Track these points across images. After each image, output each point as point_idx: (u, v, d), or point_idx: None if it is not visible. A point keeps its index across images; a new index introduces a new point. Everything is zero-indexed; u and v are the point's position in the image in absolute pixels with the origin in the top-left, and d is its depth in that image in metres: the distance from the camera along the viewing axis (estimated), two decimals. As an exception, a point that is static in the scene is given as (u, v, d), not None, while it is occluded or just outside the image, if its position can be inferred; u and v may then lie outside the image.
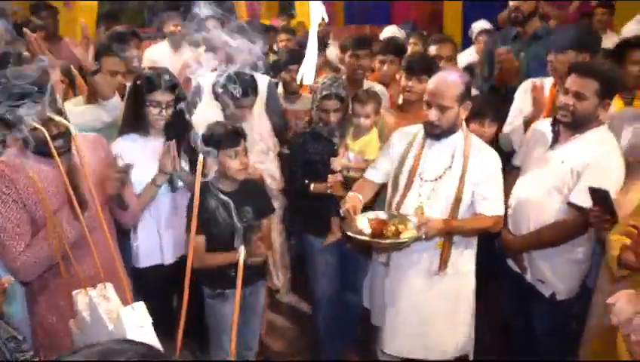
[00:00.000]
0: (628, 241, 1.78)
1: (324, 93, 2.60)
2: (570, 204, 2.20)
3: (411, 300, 2.32)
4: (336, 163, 2.62)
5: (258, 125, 2.97)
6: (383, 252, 2.39)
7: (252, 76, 2.69)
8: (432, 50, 3.06)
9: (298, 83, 3.14)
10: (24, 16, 4.16)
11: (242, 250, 1.01)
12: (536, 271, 2.36)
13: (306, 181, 2.68)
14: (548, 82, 2.79)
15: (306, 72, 1.85)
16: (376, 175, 2.44)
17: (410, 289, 2.31)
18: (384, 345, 2.41)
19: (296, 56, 3.35)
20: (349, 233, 2.15)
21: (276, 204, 2.88)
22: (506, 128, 2.84)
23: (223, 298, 2.36)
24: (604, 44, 3.71)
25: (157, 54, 4.44)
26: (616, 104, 2.81)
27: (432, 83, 2.20)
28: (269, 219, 2.51)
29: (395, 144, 2.39)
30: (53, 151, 1.38)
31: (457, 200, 2.20)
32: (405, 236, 2.09)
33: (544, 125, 2.42)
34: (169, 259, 2.49)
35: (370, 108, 2.61)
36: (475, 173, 2.19)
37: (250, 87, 2.67)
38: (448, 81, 2.16)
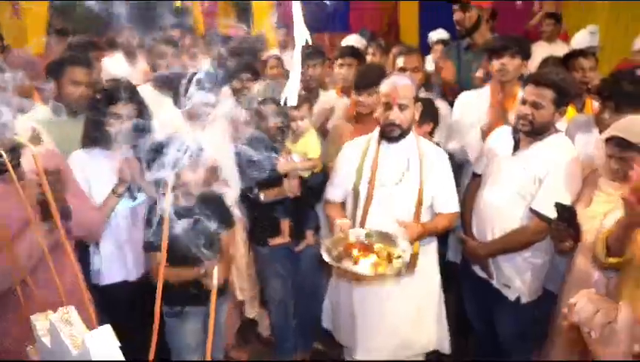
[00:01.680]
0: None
1: (261, 98, 2.63)
2: (532, 211, 2.26)
3: (383, 305, 2.34)
4: (283, 166, 2.64)
5: (213, 133, 2.94)
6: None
7: (214, 74, 2.71)
8: (399, 62, 3.10)
9: (282, 104, 3.13)
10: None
11: (216, 269, 0.98)
12: (502, 275, 2.41)
13: (256, 190, 2.67)
14: (485, 92, 2.90)
15: (290, 94, 1.86)
16: (337, 194, 2.45)
17: (382, 294, 2.34)
18: (357, 354, 2.42)
19: (247, 65, 3.37)
20: (342, 266, 1.93)
21: (239, 213, 2.81)
22: (453, 144, 2.90)
23: (182, 316, 2.32)
24: (553, 52, 3.88)
25: (113, 66, 4.32)
26: (568, 111, 2.93)
27: (387, 85, 2.27)
28: (228, 233, 2.47)
29: (347, 157, 2.41)
30: (10, 169, 1.31)
31: (419, 203, 2.26)
32: (396, 262, 1.95)
33: (502, 133, 2.49)
34: (133, 276, 2.42)
35: (304, 111, 2.72)
36: (431, 174, 2.27)
37: (212, 83, 2.63)
38: (403, 82, 2.28)
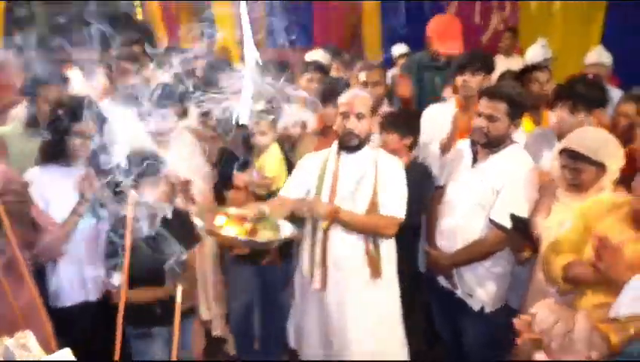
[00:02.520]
0: (572, 259, 1.89)
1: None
2: (491, 221, 2.32)
3: (353, 314, 2.36)
4: (239, 178, 2.66)
5: (190, 144, 2.93)
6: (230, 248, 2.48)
7: (175, 88, 2.70)
8: (361, 76, 3.16)
9: (234, 122, 3.14)
10: None
11: (180, 288, 0.96)
12: (465, 285, 2.46)
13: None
14: (450, 106, 2.98)
15: (241, 111, 1.88)
16: (291, 191, 2.44)
17: (350, 303, 2.36)
18: None
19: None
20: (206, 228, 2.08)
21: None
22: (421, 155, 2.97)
23: (148, 337, 2.28)
24: (510, 66, 4.01)
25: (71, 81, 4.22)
26: (526, 124, 3.04)
27: (346, 97, 2.37)
28: (193, 251, 2.44)
29: (306, 168, 2.45)
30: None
31: (373, 207, 2.30)
32: (262, 236, 2.05)
33: (463, 146, 2.56)
34: (94, 295, 2.36)
35: (264, 126, 2.67)
36: (383, 181, 2.32)
37: (172, 96, 2.65)
38: (361, 94, 2.41)
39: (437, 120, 2.98)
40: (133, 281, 2.16)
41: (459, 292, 2.49)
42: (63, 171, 2.29)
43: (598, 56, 3.94)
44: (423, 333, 2.99)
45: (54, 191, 2.20)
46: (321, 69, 3.55)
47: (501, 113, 2.32)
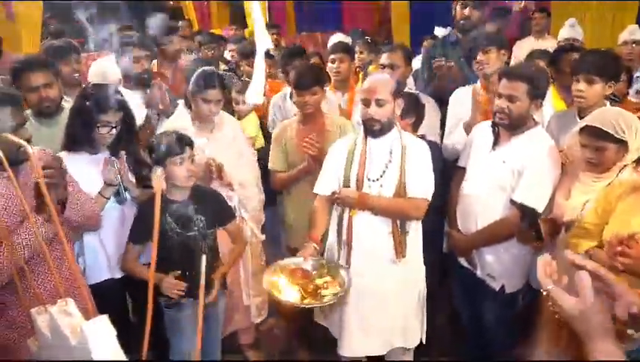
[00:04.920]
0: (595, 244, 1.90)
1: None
2: (512, 202, 2.33)
3: (376, 296, 2.39)
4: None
5: (229, 128, 2.96)
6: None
7: (218, 72, 2.78)
8: (381, 59, 3.17)
9: (249, 103, 3.38)
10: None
11: (204, 258, 1.04)
12: (486, 266, 2.48)
13: None
14: (477, 88, 2.98)
15: (254, 93, 1.95)
16: (324, 187, 2.46)
17: (374, 283, 2.38)
18: (349, 349, 2.46)
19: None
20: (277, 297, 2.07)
21: (247, 215, 2.84)
22: (447, 139, 2.98)
23: (179, 307, 2.37)
24: (544, 46, 3.95)
25: (105, 67, 4.36)
26: (557, 104, 3.01)
27: (367, 83, 2.37)
28: (233, 225, 2.52)
29: (334, 159, 2.46)
30: (7, 166, 1.38)
31: (399, 195, 2.31)
32: (326, 294, 2.07)
33: (485, 127, 2.56)
34: (119, 273, 2.46)
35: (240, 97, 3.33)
36: (410, 164, 2.33)
37: (213, 80, 2.70)
38: (381, 79, 2.39)
39: (464, 102, 2.98)
40: (159, 257, 2.28)
41: (478, 273, 2.52)
42: (89, 157, 2.37)
43: (630, 33, 3.84)
44: (447, 314, 3.04)
45: (81, 176, 2.23)
46: (347, 50, 3.59)
47: (521, 93, 2.32)
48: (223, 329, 2.72)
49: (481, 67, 2.90)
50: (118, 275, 2.46)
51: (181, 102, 2.91)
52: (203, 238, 2.35)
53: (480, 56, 2.88)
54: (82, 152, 2.36)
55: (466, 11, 3.46)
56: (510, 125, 2.38)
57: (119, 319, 2.46)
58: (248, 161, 3.01)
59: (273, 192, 3.28)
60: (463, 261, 2.59)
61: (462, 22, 3.50)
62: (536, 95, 2.35)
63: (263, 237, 3.00)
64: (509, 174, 2.36)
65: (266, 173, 3.11)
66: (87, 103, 2.29)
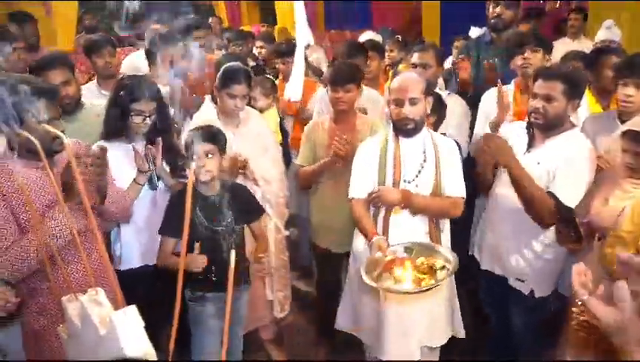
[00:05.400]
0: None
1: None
2: (549, 193, 2.25)
3: (412, 297, 2.33)
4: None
5: (255, 123, 2.98)
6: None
7: (244, 68, 2.80)
8: (413, 58, 3.14)
9: (286, 99, 3.40)
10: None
11: (233, 254, 1.04)
12: (516, 269, 2.43)
13: None
14: (510, 87, 2.92)
15: (293, 90, 1.96)
16: (361, 190, 2.41)
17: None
18: (391, 354, 2.42)
19: None
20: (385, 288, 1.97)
21: (271, 211, 2.85)
22: (475, 138, 2.94)
23: (203, 301, 2.39)
24: (580, 48, 3.86)
25: (138, 61, 4.43)
26: (593, 107, 2.94)
27: (397, 81, 2.34)
28: (259, 222, 2.53)
29: (365, 161, 2.42)
30: (43, 156, 1.41)
31: (436, 190, 2.30)
32: (440, 276, 1.97)
33: (519, 129, 2.50)
34: (153, 259, 2.49)
35: (258, 93, 3.47)
36: (444, 163, 2.31)
37: (240, 76, 2.72)
38: (412, 77, 2.36)
39: (495, 103, 2.93)
40: (188, 249, 2.30)
41: (510, 279, 2.47)
42: (125, 146, 2.44)
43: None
44: (472, 316, 2.99)
45: (116, 164, 2.33)
46: (376, 48, 3.56)
47: (557, 92, 2.26)
48: (245, 324, 2.73)
49: (525, 65, 2.83)
50: (151, 262, 2.50)
51: (208, 97, 2.93)
52: (231, 234, 2.36)
53: (528, 54, 2.81)
54: (118, 141, 2.42)
55: (498, 9, 3.40)
56: (545, 125, 2.32)
57: (151, 306, 2.53)
58: (273, 157, 3.02)
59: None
60: (488, 263, 2.54)
61: (494, 20, 3.44)
62: (573, 95, 2.29)
63: (287, 232, 3.02)
64: (543, 175, 2.29)
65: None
66: (122, 93, 2.36)
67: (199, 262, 2.21)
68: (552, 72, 2.34)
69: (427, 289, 1.92)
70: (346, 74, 2.82)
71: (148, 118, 2.37)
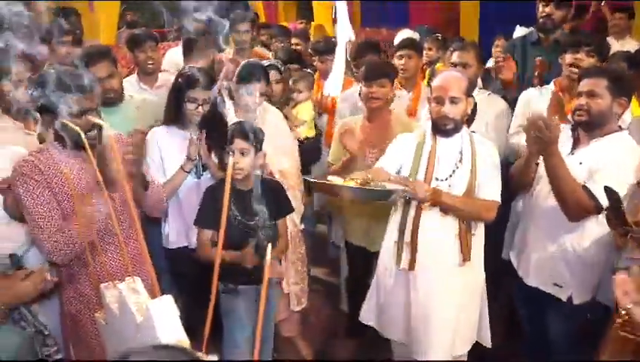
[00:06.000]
0: None
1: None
2: (584, 188, 2.18)
3: (440, 298, 2.34)
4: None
5: (271, 118, 3.00)
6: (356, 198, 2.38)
7: (261, 65, 2.86)
8: (453, 57, 3.09)
9: (326, 94, 3.47)
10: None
11: (269, 248, 1.04)
12: (556, 274, 2.37)
13: None
14: (548, 90, 2.83)
15: (332, 85, 1.97)
16: (387, 164, 2.40)
17: (438, 287, 2.34)
18: (418, 353, 2.41)
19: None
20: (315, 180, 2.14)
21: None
22: (512, 138, 2.87)
23: (235, 293, 2.42)
24: (625, 48, 3.72)
25: (177, 56, 4.51)
26: (635, 110, 2.84)
27: (440, 79, 2.32)
28: (284, 220, 2.55)
29: (401, 148, 2.42)
30: (87, 145, 1.45)
31: (469, 191, 2.26)
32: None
33: (562, 130, 2.43)
34: (194, 243, 2.54)
35: (302, 86, 3.55)
36: (480, 165, 2.28)
37: (256, 73, 2.75)
38: (455, 75, 2.34)
39: (533, 104, 2.86)
40: (223, 245, 2.33)
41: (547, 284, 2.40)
42: (178, 133, 2.57)
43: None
44: (504, 322, 2.94)
45: (170, 148, 2.52)
46: (415, 47, 3.52)
47: (601, 88, 2.20)
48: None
49: (574, 65, 2.72)
50: (193, 245, 2.57)
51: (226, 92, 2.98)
52: (263, 228, 2.38)
53: (581, 55, 2.71)
54: (174, 127, 2.56)
55: (548, 9, 3.30)
56: (589, 123, 2.26)
57: (190, 285, 2.58)
58: (290, 151, 3.06)
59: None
60: (526, 270, 2.48)
61: (542, 20, 3.34)
62: (619, 92, 2.22)
63: (302, 226, 3.07)
64: (584, 173, 2.22)
65: (310, 163, 3.40)
66: (180, 80, 2.51)
67: (249, 259, 2.24)
68: (596, 69, 2.30)
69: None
70: (380, 69, 2.84)
71: (201, 107, 2.48)
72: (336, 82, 1.75)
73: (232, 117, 2.72)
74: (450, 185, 2.29)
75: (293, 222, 2.92)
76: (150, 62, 3.40)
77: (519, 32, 4.45)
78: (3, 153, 2.16)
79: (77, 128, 1.50)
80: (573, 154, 2.33)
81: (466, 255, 2.29)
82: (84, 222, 1.82)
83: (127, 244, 2.04)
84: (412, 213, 2.34)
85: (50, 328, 1.94)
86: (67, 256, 1.90)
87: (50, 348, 1.81)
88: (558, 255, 2.35)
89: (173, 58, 4.41)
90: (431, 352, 2.37)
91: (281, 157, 2.90)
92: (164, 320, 1.24)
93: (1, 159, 2.10)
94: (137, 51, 3.37)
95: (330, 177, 2.24)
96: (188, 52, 3.56)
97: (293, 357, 3.12)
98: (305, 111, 3.57)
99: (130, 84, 3.32)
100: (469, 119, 2.71)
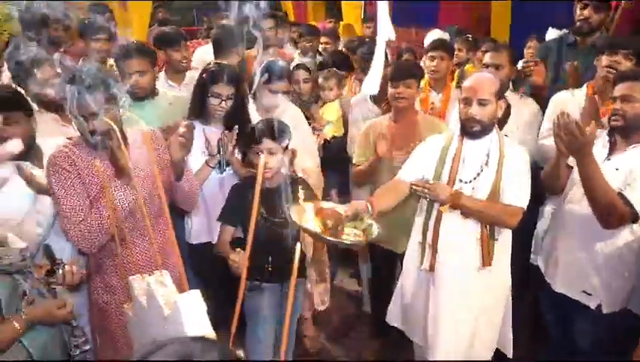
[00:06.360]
0: None
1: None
2: (619, 195, 2.12)
3: (461, 302, 2.33)
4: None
5: (291, 117, 3.00)
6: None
7: (284, 64, 2.89)
8: (485, 58, 3.04)
9: (363, 94, 3.48)
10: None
11: (299, 245, 1.05)
12: (585, 282, 2.31)
13: None
14: (580, 93, 2.76)
15: (371, 83, 1.96)
16: (408, 173, 2.39)
17: (455, 288, 2.33)
18: (432, 354, 2.39)
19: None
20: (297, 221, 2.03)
21: None
22: (542, 142, 2.82)
23: (258, 290, 2.43)
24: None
25: (208, 53, 4.55)
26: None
27: (470, 81, 2.29)
28: None
29: (425, 152, 2.40)
30: (120, 137, 1.48)
31: (493, 195, 2.23)
32: (346, 237, 2.02)
33: (599, 136, 2.37)
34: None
35: (332, 83, 3.52)
36: (508, 169, 2.24)
37: (279, 72, 2.79)
38: (485, 77, 2.30)
39: (565, 106, 2.79)
40: (245, 239, 2.34)
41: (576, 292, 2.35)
42: (202, 127, 2.59)
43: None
44: (530, 328, 2.89)
45: (194, 144, 2.44)
46: (447, 48, 3.49)
47: (637, 92, 2.14)
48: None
49: (611, 67, 2.63)
50: (216, 240, 2.58)
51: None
52: (289, 226, 2.38)
53: (619, 58, 2.62)
54: (198, 122, 2.56)
55: (586, 12, 3.21)
56: (625, 128, 2.20)
57: (211, 280, 2.61)
58: (310, 150, 3.08)
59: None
60: (554, 277, 2.43)
61: (579, 23, 3.26)
62: None
63: None
64: (621, 180, 2.16)
65: (336, 161, 3.44)
66: (204, 75, 2.54)
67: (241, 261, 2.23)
68: (631, 73, 2.24)
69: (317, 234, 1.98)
70: (406, 70, 2.83)
71: (224, 102, 2.50)
72: (375, 81, 1.74)
73: (253, 115, 2.73)
74: (474, 188, 2.26)
75: None
76: (184, 61, 3.44)
77: (551, 34, 4.36)
78: (43, 144, 2.22)
79: (112, 124, 1.53)
80: (609, 160, 2.27)
81: (485, 260, 2.27)
82: (111, 211, 1.86)
83: (155, 237, 2.07)
84: (434, 214, 2.33)
85: (80, 320, 1.98)
86: (93, 244, 1.94)
87: (78, 339, 1.85)
88: (588, 262, 2.29)
89: (202, 56, 4.46)
90: (437, 352, 2.36)
91: (303, 155, 2.90)
92: (191, 314, 1.26)
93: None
94: (171, 50, 3.41)
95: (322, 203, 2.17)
96: (218, 50, 3.59)
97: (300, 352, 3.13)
98: (331, 111, 3.56)
99: (158, 81, 3.37)
100: (502, 121, 2.68)
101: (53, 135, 2.37)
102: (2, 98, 2.04)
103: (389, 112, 2.97)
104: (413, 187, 2.28)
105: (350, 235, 2.04)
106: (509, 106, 2.74)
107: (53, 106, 2.56)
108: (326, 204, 2.16)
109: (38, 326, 1.71)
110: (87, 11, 4.46)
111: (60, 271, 1.84)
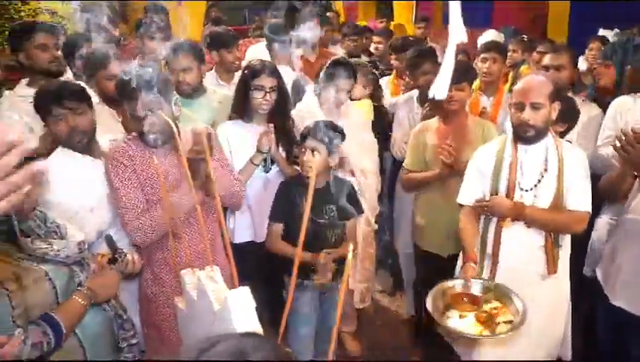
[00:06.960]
0: None
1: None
2: None
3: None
4: None
5: (354, 116, 3.01)
6: None
7: (349, 62, 2.88)
8: (545, 59, 2.94)
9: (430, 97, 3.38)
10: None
11: (351, 247, 1.04)
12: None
13: None
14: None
15: (439, 87, 1.91)
16: (470, 195, 2.34)
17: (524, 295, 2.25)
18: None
19: None
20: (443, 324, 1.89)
21: (365, 204, 2.84)
22: (602, 149, 2.70)
23: (301, 288, 2.43)
24: None
25: (259, 52, 4.60)
26: None
27: (522, 83, 2.21)
28: (354, 220, 2.54)
29: (479, 167, 2.33)
30: (177, 137, 1.51)
31: (557, 202, 2.15)
32: (500, 323, 1.89)
33: None
34: (261, 238, 2.61)
35: (364, 82, 3.34)
36: (569, 174, 2.15)
37: (345, 70, 2.77)
38: (539, 80, 2.20)
39: (626, 113, 2.67)
40: (287, 237, 2.38)
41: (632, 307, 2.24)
42: (245, 126, 2.61)
43: None
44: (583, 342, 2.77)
45: (238, 143, 2.53)
46: (500, 50, 3.40)
47: None
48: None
49: None
50: (259, 240, 2.63)
51: (310, 87, 2.99)
52: (332, 226, 2.39)
53: None
54: (241, 120, 2.59)
55: None
56: None
57: (253, 279, 2.64)
58: (370, 150, 3.05)
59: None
60: (613, 292, 2.32)
61: None
62: None
63: (376, 226, 3.05)
64: None
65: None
66: (246, 71, 2.57)
67: (322, 271, 2.31)
68: None
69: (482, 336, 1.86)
70: (460, 71, 2.73)
71: (268, 94, 2.50)
72: (443, 84, 1.71)
73: (317, 114, 2.73)
74: (535, 196, 2.18)
75: (367, 221, 2.93)
76: (236, 62, 3.50)
77: (608, 33, 4.18)
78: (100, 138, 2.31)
79: (171, 122, 1.56)
80: None
81: (551, 268, 2.20)
82: (169, 209, 1.91)
83: (206, 233, 2.11)
84: (493, 224, 2.26)
85: (130, 313, 2.03)
86: (149, 238, 2.00)
87: (127, 332, 1.88)
88: None
89: (253, 55, 4.52)
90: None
91: (363, 154, 2.91)
92: (241, 310, 1.27)
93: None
94: (224, 51, 3.47)
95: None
96: (270, 51, 3.64)
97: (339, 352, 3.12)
98: (361, 106, 3.33)
99: (209, 80, 3.43)
100: (570, 126, 2.58)
101: (110, 129, 2.45)
102: (74, 89, 2.12)
103: (434, 115, 2.91)
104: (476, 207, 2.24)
105: (502, 320, 1.91)
106: (577, 111, 2.64)
107: (114, 102, 2.65)
108: (450, 285, 2.05)
109: (92, 312, 1.75)
110: (144, 12, 4.61)
111: (123, 259, 1.90)
